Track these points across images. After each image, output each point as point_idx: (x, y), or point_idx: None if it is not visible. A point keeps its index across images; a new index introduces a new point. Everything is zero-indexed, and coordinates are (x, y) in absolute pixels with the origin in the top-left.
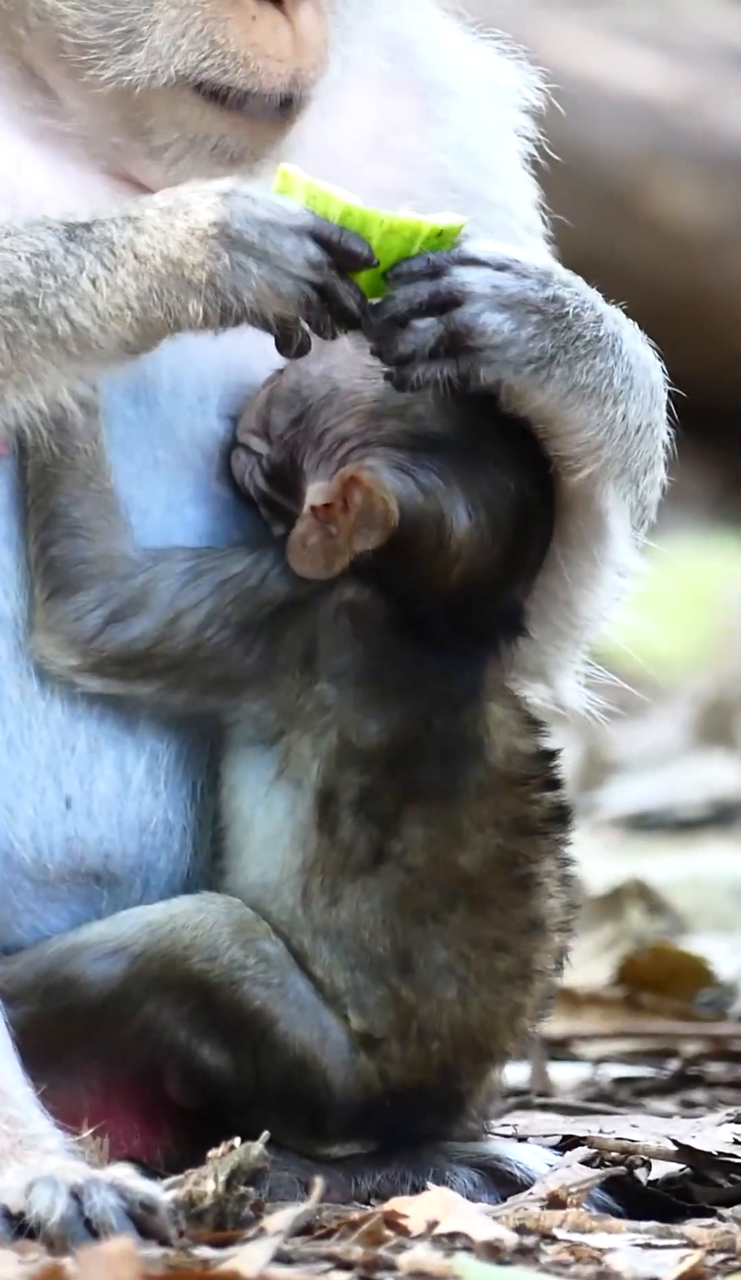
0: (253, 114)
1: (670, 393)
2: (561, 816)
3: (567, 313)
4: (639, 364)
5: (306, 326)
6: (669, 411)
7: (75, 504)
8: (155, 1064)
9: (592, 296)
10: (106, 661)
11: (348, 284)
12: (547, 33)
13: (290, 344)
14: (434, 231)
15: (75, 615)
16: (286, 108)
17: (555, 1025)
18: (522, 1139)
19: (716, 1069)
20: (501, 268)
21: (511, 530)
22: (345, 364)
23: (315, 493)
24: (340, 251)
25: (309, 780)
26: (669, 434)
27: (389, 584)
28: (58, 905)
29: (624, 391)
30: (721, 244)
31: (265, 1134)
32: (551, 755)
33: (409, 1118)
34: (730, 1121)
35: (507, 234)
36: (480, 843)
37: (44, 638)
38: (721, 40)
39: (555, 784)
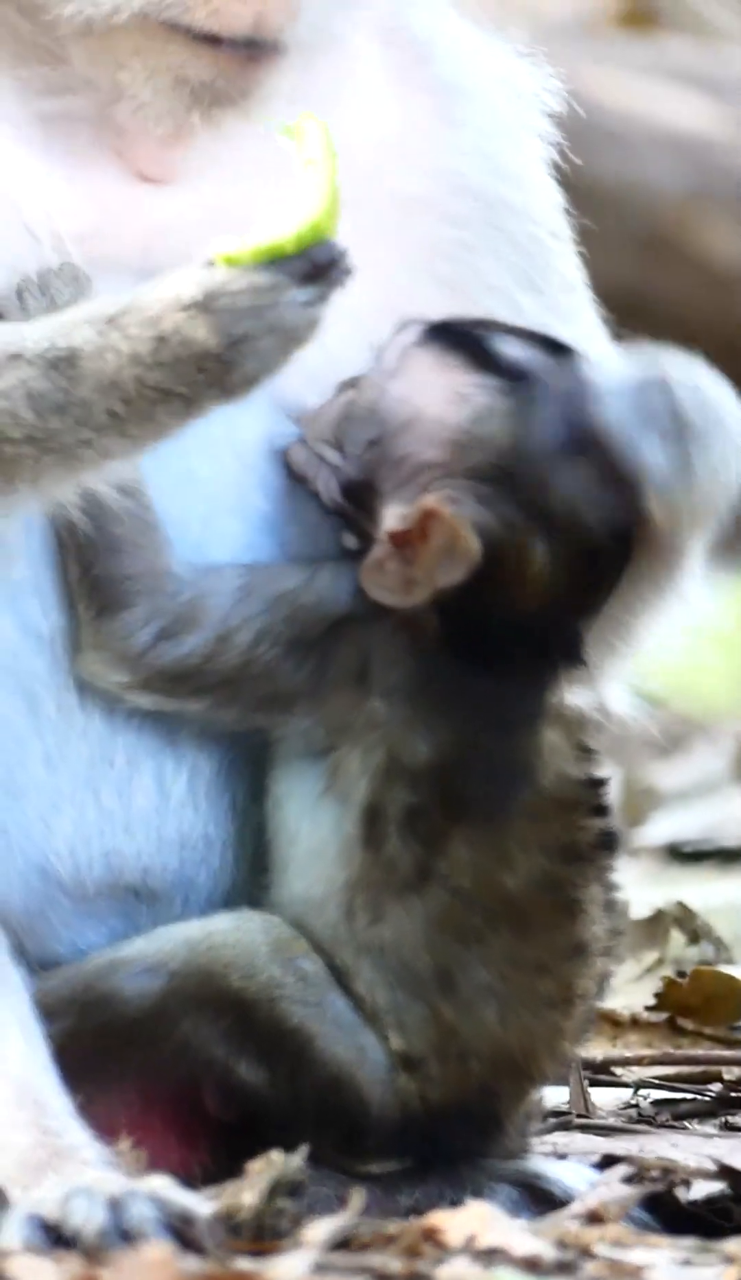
0: (221, 53)
1: None
2: (608, 843)
3: None
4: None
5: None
6: None
7: (114, 521)
8: (192, 1079)
9: None
10: (156, 678)
11: (336, 273)
12: (589, 69)
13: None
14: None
15: (124, 633)
16: (254, 50)
17: (595, 1049)
18: (562, 1156)
19: None
20: None
21: (587, 564)
22: (427, 387)
23: (393, 518)
24: (326, 268)
25: (357, 796)
26: None
27: (455, 606)
28: (96, 921)
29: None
30: None
31: (304, 1147)
32: (600, 782)
33: (446, 1136)
34: None
35: (531, 240)
36: (525, 866)
37: (92, 655)
38: None
39: (603, 810)
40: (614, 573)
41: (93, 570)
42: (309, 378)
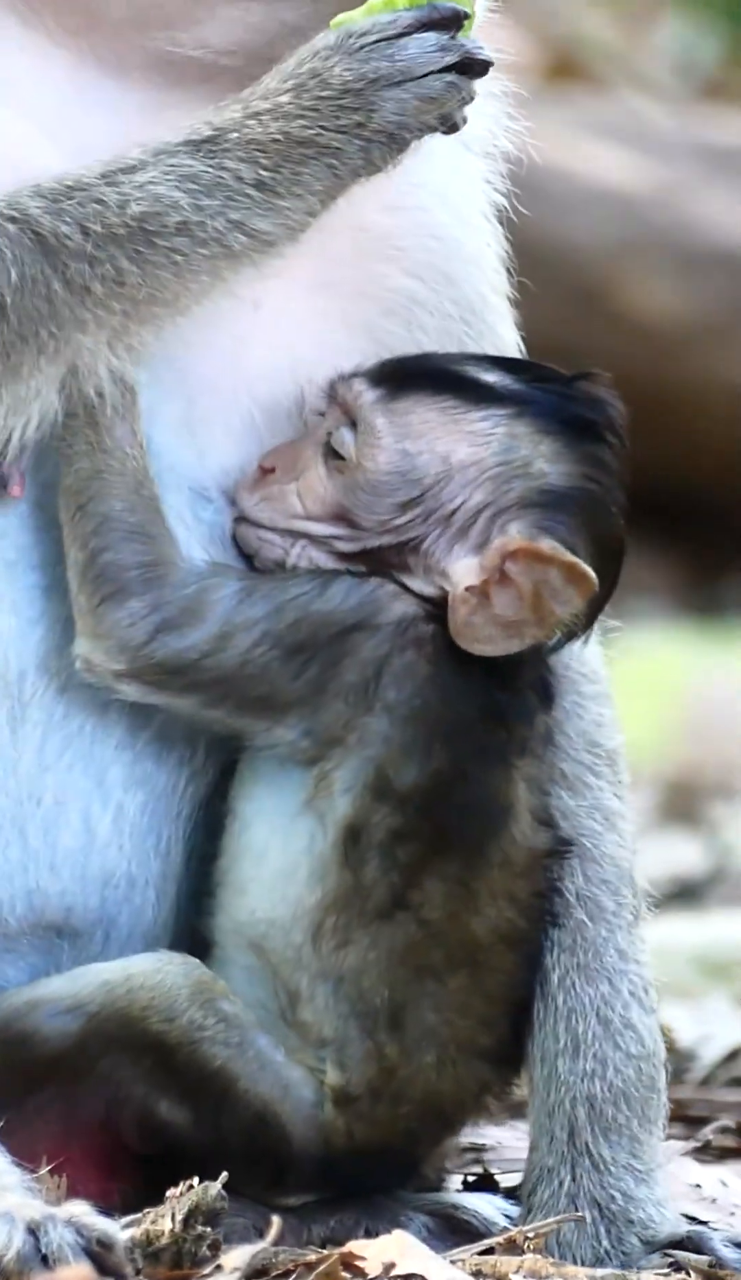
0: None
1: (636, 485)
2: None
3: None
4: None
5: (459, 107)
6: (634, 503)
7: (130, 510)
8: (113, 1115)
9: None
10: (153, 669)
11: (470, 44)
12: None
13: (454, 128)
14: None
15: (128, 621)
16: None
17: (520, 1090)
18: (486, 1177)
19: (675, 1131)
20: None
21: (612, 576)
22: (443, 435)
23: (466, 572)
24: (449, 21)
25: (334, 814)
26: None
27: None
28: (15, 957)
29: None
30: (690, 338)
31: (224, 1175)
32: (569, 842)
33: (365, 1173)
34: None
35: (478, 297)
36: (492, 913)
37: (90, 643)
38: (692, 135)
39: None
40: (613, 585)
41: (101, 556)
42: (239, 422)
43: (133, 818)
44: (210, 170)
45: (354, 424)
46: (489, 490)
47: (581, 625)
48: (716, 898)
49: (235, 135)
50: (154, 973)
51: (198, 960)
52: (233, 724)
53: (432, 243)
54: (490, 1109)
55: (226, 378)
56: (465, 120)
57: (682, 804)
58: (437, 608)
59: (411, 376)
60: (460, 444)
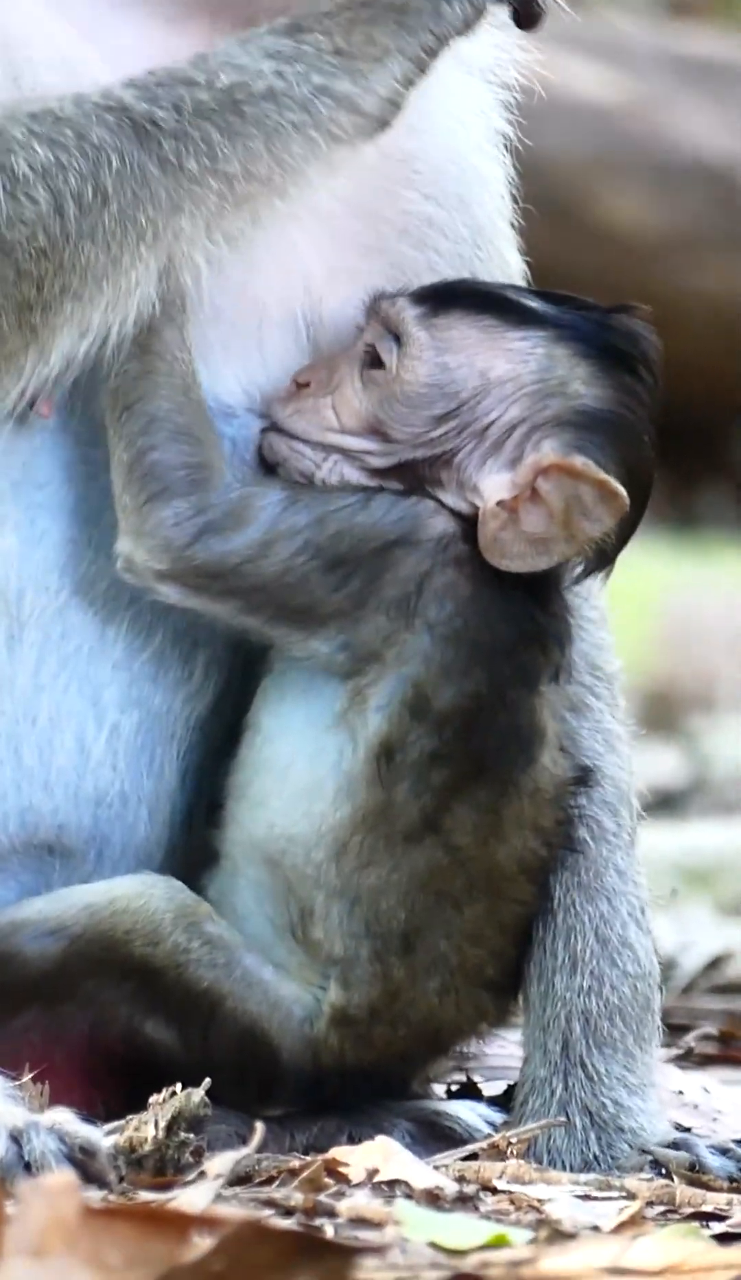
0: None
1: None
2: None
3: None
4: None
5: None
6: None
7: (178, 410)
8: (97, 1034)
9: None
10: (194, 571)
11: None
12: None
13: (534, 17)
14: None
15: (173, 521)
16: None
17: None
18: (469, 1086)
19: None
20: None
21: (640, 505)
22: (483, 351)
23: (498, 487)
24: None
25: (367, 732)
26: None
27: None
28: (6, 876)
29: None
30: (666, 251)
31: (207, 1081)
32: (591, 771)
33: (353, 1090)
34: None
35: (489, 222)
36: (519, 842)
37: (133, 542)
38: (667, 48)
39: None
40: (641, 514)
41: (148, 456)
42: (253, 342)
43: (127, 738)
44: (291, 44)
45: (395, 338)
46: (525, 406)
47: (609, 550)
48: (695, 807)
49: (310, 17)
50: (137, 896)
51: (181, 883)
52: (269, 632)
53: (451, 166)
54: (484, 1034)
55: (240, 299)
56: (539, 19)
57: (661, 715)
58: (472, 526)
59: (453, 296)
60: (499, 360)
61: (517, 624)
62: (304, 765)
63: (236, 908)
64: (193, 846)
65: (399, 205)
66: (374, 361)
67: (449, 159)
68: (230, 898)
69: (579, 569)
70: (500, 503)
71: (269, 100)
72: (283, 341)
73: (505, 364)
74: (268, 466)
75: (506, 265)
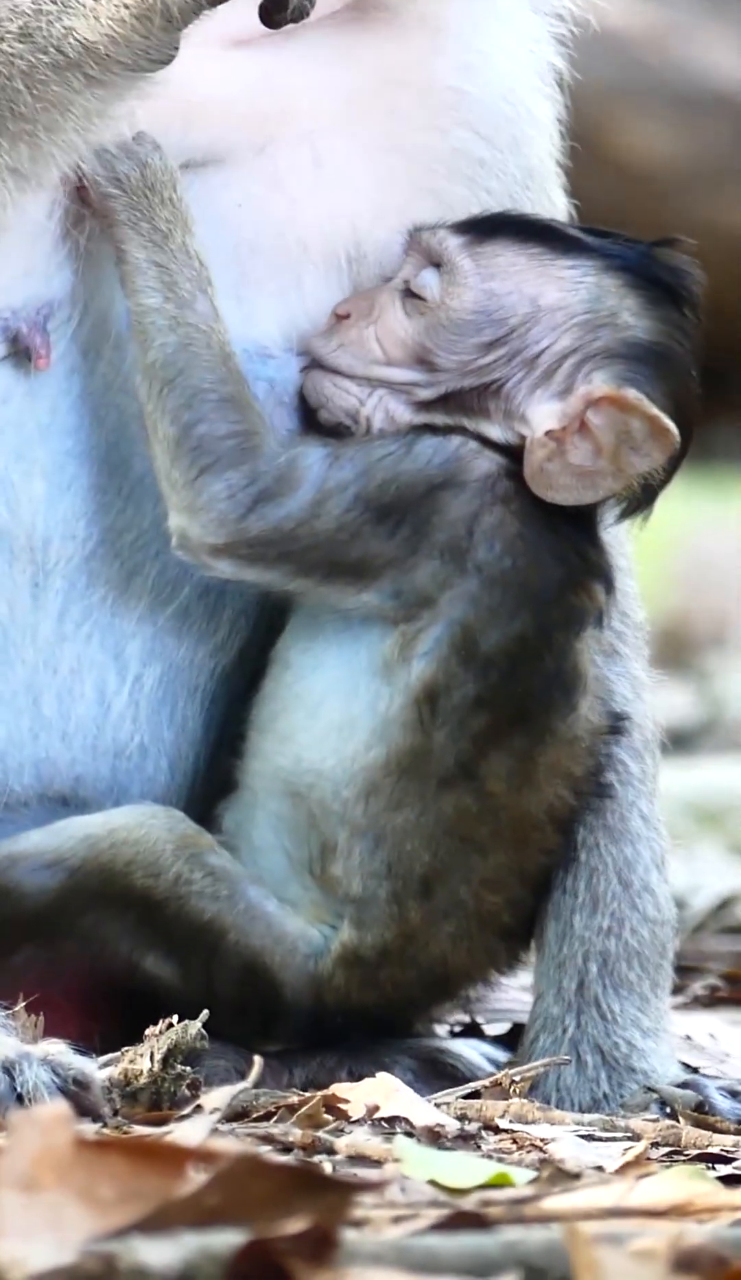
0: None
1: None
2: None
3: None
4: None
5: None
6: None
7: (221, 381)
8: (96, 968)
9: None
10: (251, 541)
11: None
12: None
13: (284, 8)
14: None
15: (227, 493)
16: None
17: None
18: (472, 1026)
19: None
20: None
21: (687, 437)
22: (532, 278)
23: (547, 416)
24: None
25: (410, 676)
26: None
27: None
28: (18, 828)
29: None
30: (686, 182)
31: (204, 1013)
32: (625, 717)
33: (355, 1028)
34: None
35: (537, 156)
36: (550, 791)
37: (187, 517)
38: None
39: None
40: (685, 451)
41: (195, 429)
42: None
43: (149, 690)
44: None
45: (437, 266)
46: (575, 336)
47: (655, 487)
48: (708, 747)
49: None
50: (137, 827)
51: (182, 814)
52: (322, 589)
53: (504, 105)
54: (493, 982)
55: (281, 238)
56: (298, 17)
57: (675, 653)
58: (517, 464)
59: (497, 226)
60: (549, 287)
61: (565, 563)
62: (337, 703)
63: (253, 839)
64: (211, 779)
65: (450, 143)
66: (416, 292)
67: (502, 97)
68: (247, 829)
69: (622, 507)
70: (548, 432)
71: (23, 40)
72: (324, 281)
73: (555, 291)
74: (308, 410)
75: (554, 207)
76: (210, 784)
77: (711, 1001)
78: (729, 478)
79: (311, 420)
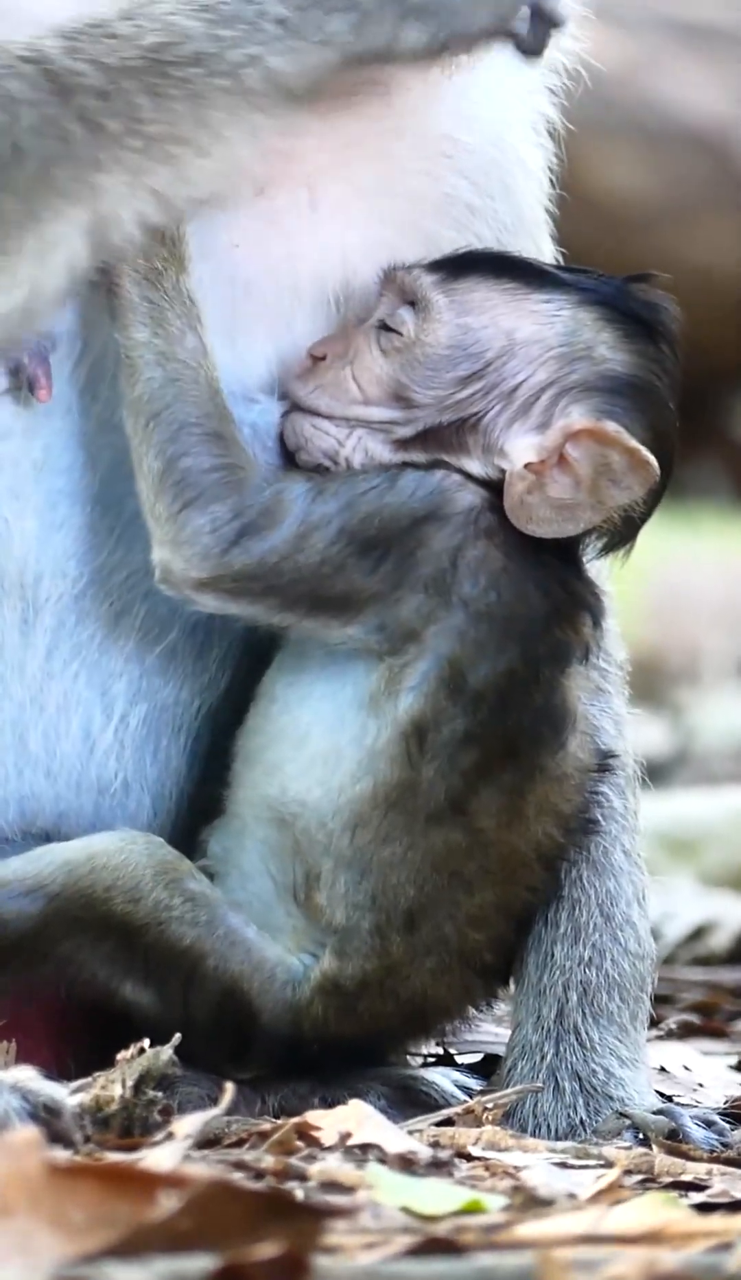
0: None
1: None
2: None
3: None
4: None
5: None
6: None
7: (207, 416)
8: (74, 994)
9: None
10: (234, 575)
11: None
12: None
13: (527, 48)
14: None
15: (210, 527)
16: None
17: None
18: (445, 1057)
19: None
20: None
21: (666, 471)
22: (507, 313)
23: (525, 450)
24: None
25: (397, 710)
26: None
27: None
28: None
29: None
30: (658, 215)
31: (176, 1037)
32: (613, 756)
33: (330, 1058)
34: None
35: (527, 203)
36: (539, 827)
37: (171, 551)
38: (658, 10)
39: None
40: (664, 485)
41: (180, 462)
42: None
43: (134, 728)
44: (231, 3)
45: (412, 304)
46: (552, 369)
47: (636, 520)
48: (680, 778)
49: None
50: (117, 852)
51: (161, 840)
52: (306, 624)
53: (495, 152)
54: (469, 1018)
55: (274, 278)
56: (538, 44)
57: (647, 686)
58: (499, 497)
59: (471, 262)
60: (524, 321)
61: (551, 596)
62: (323, 735)
63: (241, 865)
64: (192, 813)
65: (442, 189)
66: (391, 330)
67: (493, 144)
68: (235, 855)
69: (603, 542)
70: (527, 465)
71: (197, 65)
72: (313, 322)
73: (531, 325)
74: (288, 452)
75: (540, 254)
76: (192, 817)
77: (684, 1032)
78: (700, 511)
79: (291, 463)
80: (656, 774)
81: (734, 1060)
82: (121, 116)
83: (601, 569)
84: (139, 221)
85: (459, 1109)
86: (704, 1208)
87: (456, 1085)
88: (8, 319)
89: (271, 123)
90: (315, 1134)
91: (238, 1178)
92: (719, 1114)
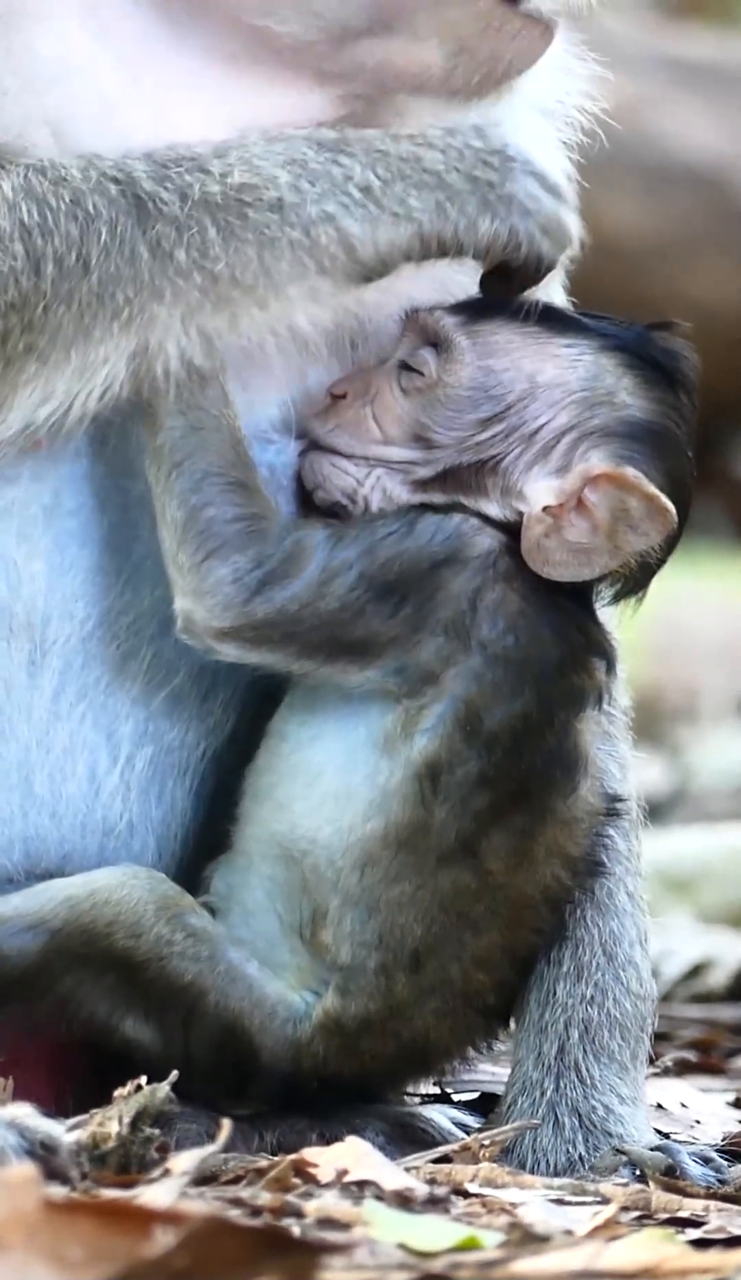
0: (530, 16)
1: None
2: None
3: None
4: None
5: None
6: None
7: (229, 465)
8: (74, 1031)
9: None
10: (255, 624)
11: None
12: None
13: (523, 282)
14: None
15: (233, 577)
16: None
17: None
18: (442, 1096)
19: None
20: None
21: (683, 518)
22: (530, 356)
23: (544, 493)
24: None
25: (411, 751)
26: None
27: None
28: None
29: None
30: (656, 255)
31: (173, 1074)
32: (622, 800)
33: (329, 1096)
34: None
35: None
36: (547, 871)
37: (193, 601)
38: (659, 50)
39: (605, 837)
40: (680, 532)
41: (203, 512)
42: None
43: (139, 771)
44: (321, 162)
45: (434, 345)
46: (573, 413)
47: (652, 565)
48: (677, 817)
49: (362, 143)
50: (118, 887)
51: (163, 875)
52: (324, 671)
53: None
54: (468, 1059)
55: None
56: (545, 268)
57: (645, 725)
58: (517, 541)
59: (493, 306)
60: (546, 365)
61: (567, 640)
62: (334, 774)
63: (246, 902)
64: (197, 853)
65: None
66: (412, 370)
67: None
68: (241, 892)
69: (617, 588)
70: (546, 509)
71: (274, 211)
72: (328, 364)
73: (553, 368)
74: (304, 493)
75: (551, 300)
76: (196, 858)
77: (682, 1069)
78: (700, 550)
79: (308, 503)
80: (654, 812)
81: (731, 1097)
82: (192, 249)
83: (609, 613)
84: (182, 359)
85: (456, 1146)
86: (700, 1244)
87: (454, 1123)
88: (34, 430)
89: (333, 291)
90: (312, 1171)
91: (234, 1214)
92: (716, 1150)
